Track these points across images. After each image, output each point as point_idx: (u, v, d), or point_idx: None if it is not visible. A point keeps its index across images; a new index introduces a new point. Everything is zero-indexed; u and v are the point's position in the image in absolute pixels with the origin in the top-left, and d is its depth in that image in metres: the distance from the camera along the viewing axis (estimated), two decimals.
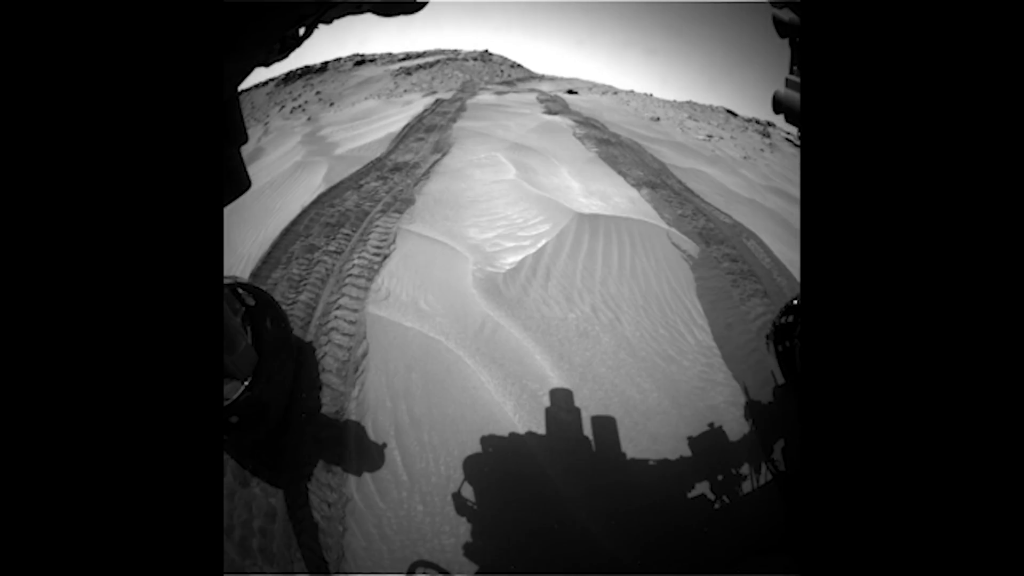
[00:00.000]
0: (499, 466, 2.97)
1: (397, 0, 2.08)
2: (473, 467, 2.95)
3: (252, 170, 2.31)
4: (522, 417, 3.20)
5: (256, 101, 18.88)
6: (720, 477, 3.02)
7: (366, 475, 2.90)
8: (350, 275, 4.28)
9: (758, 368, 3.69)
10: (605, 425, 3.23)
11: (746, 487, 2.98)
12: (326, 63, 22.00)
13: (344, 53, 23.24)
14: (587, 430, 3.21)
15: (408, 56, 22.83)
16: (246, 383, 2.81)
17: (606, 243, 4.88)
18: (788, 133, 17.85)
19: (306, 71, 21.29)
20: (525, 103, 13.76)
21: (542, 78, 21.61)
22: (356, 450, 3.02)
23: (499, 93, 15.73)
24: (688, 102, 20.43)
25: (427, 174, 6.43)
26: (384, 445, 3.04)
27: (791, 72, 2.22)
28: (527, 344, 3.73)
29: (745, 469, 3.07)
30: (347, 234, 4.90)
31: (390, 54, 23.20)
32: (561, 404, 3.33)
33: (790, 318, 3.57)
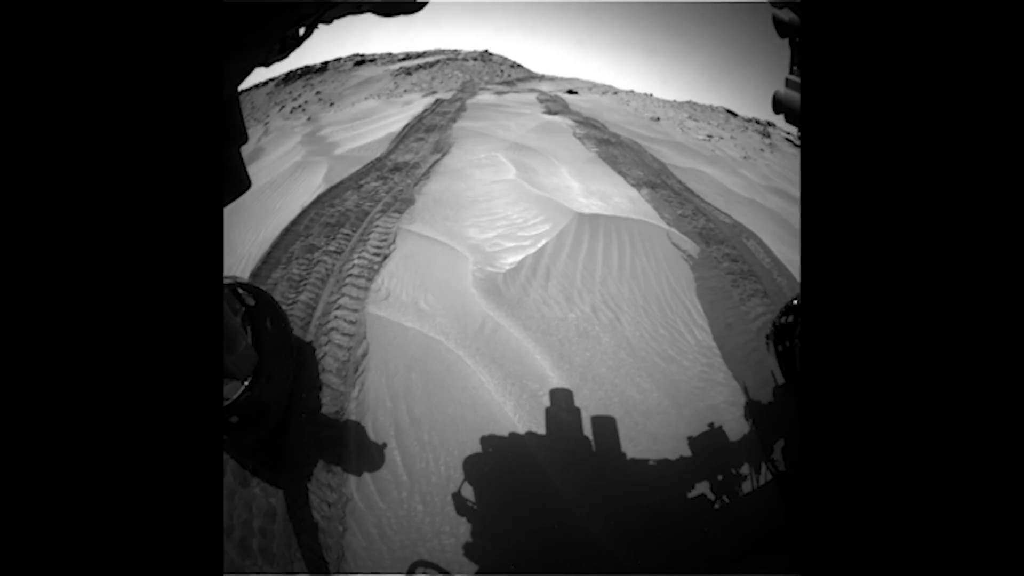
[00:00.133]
0: (499, 466, 2.97)
1: (397, 0, 2.08)
2: (473, 467, 2.95)
3: (252, 170, 2.32)
4: (522, 417, 3.20)
5: (256, 101, 18.83)
6: (720, 477, 3.02)
7: (366, 475, 2.89)
8: (350, 275, 4.27)
9: (758, 368, 3.68)
10: (605, 425, 3.23)
11: (746, 487, 2.99)
12: (326, 63, 21.93)
13: (344, 53, 23.20)
14: (587, 430, 3.21)
15: (408, 56, 22.77)
16: (246, 383, 2.80)
17: (606, 243, 4.88)
18: (788, 133, 17.79)
19: (306, 71, 21.23)
20: (525, 103, 13.71)
21: (542, 78, 21.53)
22: (356, 450, 3.02)
23: (499, 93, 15.68)
24: (688, 102, 20.36)
25: (427, 174, 6.43)
26: (384, 445, 3.03)
27: (791, 72, 2.21)
28: (527, 344, 3.73)
29: (745, 469, 3.07)
30: (347, 234, 4.89)
31: (390, 54, 23.15)
32: (561, 404, 3.33)
33: (790, 318, 3.57)
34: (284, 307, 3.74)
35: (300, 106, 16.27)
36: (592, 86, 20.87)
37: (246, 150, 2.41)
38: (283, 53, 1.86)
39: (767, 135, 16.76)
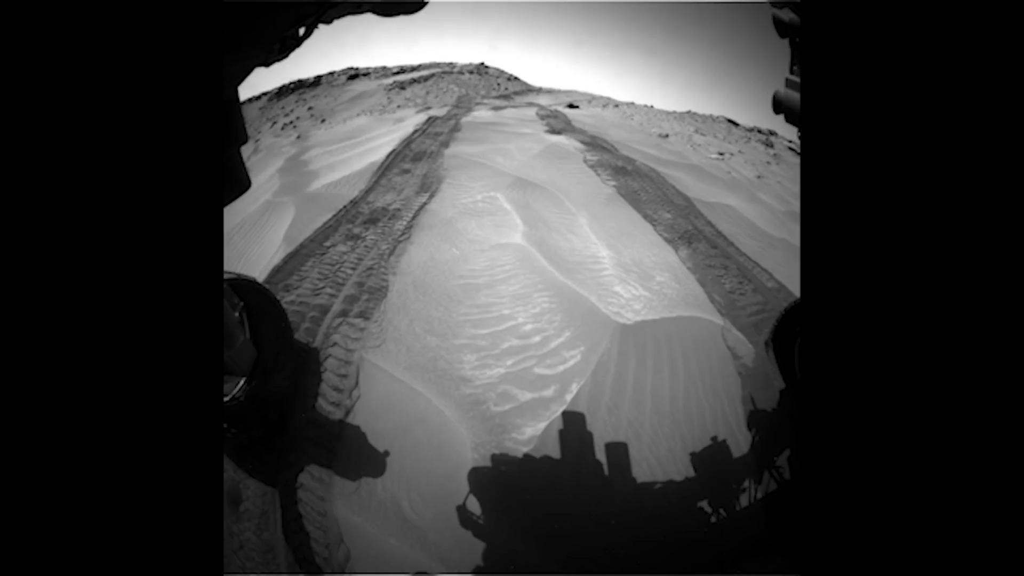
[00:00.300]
0: (499, 468, 2.74)
1: (397, 0, 1.99)
2: (474, 470, 2.73)
3: None
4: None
5: (249, 116, 17.62)
6: (722, 482, 2.84)
7: (365, 477, 2.69)
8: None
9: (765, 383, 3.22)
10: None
11: (748, 490, 2.80)
12: (319, 77, 20.81)
13: (339, 67, 22.01)
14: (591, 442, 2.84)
15: (403, 69, 21.53)
16: (243, 380, 2.71)
17: (655, 368, 3.28)
18: (790, 141, 16.95)
19: (299, 85, 20.10)
20: (525, 120, 12.39)
21: (540, 91, 20.32)
22: (356, 452, 2.79)
23: (496, 108, 14.40)
24: (689, 112, 19.32)
25: (408, 230, 4.85)
26: (387, 453, 2.80)
27: (791, 72, 2.11)
28: None
29: (746, 471, 2.87)
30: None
31: (384, 67, 21.91)
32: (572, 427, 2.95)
33: (790, 321, 3.26)
34: None
35: (292, 122, 15.26)
36: (592, 98, 19.71)
37: None
38: (283, 53, 1.77)
39: (770, 145, 15.91)
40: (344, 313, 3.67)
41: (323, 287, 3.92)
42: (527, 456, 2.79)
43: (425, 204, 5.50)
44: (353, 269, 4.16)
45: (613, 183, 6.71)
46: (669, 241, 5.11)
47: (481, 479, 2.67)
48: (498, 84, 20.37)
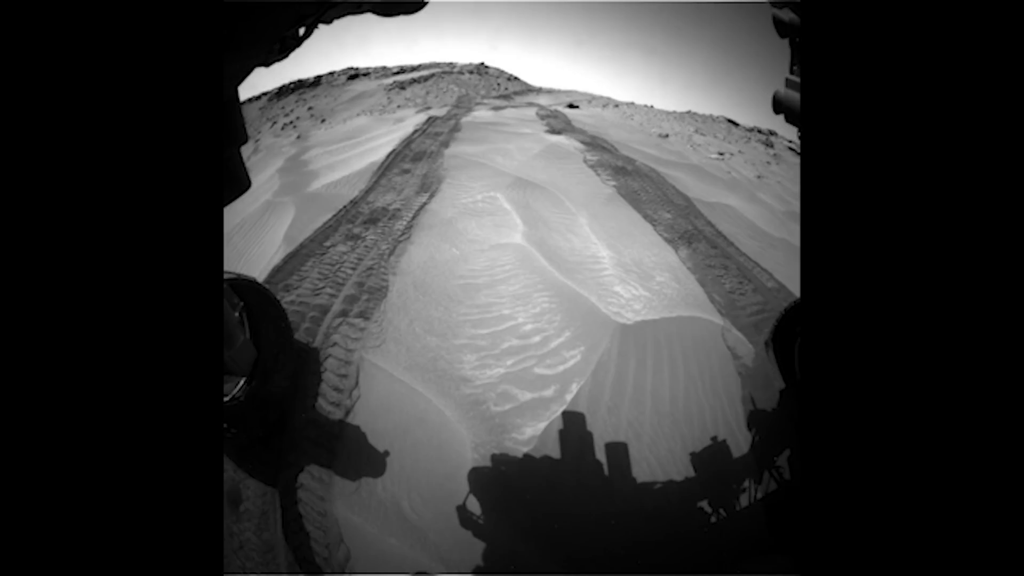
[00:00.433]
0: (499, 468, 2.74)
1: (397, 0, 1.97)
2: (474, 470, 2.72)
3: None
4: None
5: (249, 116, 17.61)
6: (721, 482, 2.83)
7: (365, 477, 2.68)
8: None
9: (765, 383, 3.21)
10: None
11: (748, 490, 2.80)
12: (319, 77, 20.79)
13: (339, 67, 21.99)
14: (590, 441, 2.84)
15: (403, 70, 21.51)
16: (243, 380, 2.70)
17: (655, 367, 3.27)
18: (790, 141, 16.94)
19: (299, 85, 20.08)
20: (525, 120, 12.37)
21: (540, 91, 20.29)
22: (356, 452, 2.79)
23: (496, 108, 14.38)
24: (688, 112, 19.30)
25: (408, 230, 4.85)
26: (387, 453, 2.79)
27: (791, 72, 2.10)
28: None
29: (746, 471, 2.87)
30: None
31: (384, 67, 21.89)
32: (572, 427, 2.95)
33: (790, 321, 3.25)
34: None
35: (292, 122, 15.25)
36: (592, 98, 19.68)
37: None
38: (283, 53, 1.76)
39: (770, 145, 15.90)
40: (344, 313, 3.66)
41: (323, 287, 3.92)
42: (527, 456, 2.78)
43: (425, 204, 5.49)
44: (353, 269, 4.16)
45: (613, 183, 6.70)
46: (669, 241, 5.10)
47: (481, 479, 2.66)
48: (498, 84, 20.35)
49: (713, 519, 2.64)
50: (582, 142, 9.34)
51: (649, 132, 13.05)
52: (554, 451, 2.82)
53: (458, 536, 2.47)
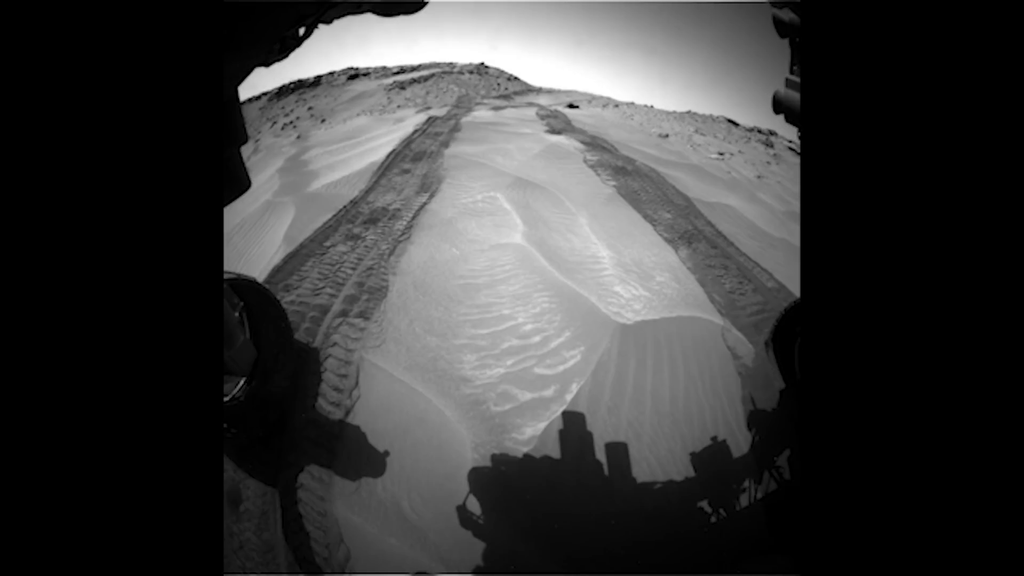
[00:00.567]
0: (499, 468, 2.73)
1: (397, 0, 1.96)
2: (474, 470, 2.72)
3: None
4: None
5: (249, 116, 17.57)
6: (722, 482, 2.83)
7: (365, 477, 2.68)
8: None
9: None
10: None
11: (748, 490, 2.79)
12: (319, 77, 20.76)
13: (339, 67, 21.97)
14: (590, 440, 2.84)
15: (403, 70, 21.49)
16: (243, 380, 2.69)
17: (655, 367, 3.26)
18: (790, 142, 16.91)
19: (299, 85, 20.05)
20: (525, 120, 12.36)
21: (540, 91, 20.27)
22: (356, 452, 2.79)
23: (496, 108, 14.37)
24: (688, 112, 19.28)
25: (408, 230, 4.85)
26: (387, 453, 2.79)
27: (791, 72, 2.09)
28: None
29: (746, 471, 2.86)
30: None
31: (384, 67, 21.87)
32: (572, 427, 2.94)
33: (790, 321, 3.24)
34: None
35: (292, 122, 15.23)
36: (592, 98, 19.66)
37: None
38: (283, 53, 1.75)
39: (770, 145, 15.88)
40: (344, 313, 3.66)
41: (323, 287, 3.91)
42: (527, 456, 2.77)
43: (425, 204, 5.49)
44: (353, 269, 4.15)
45: (613, 183, 6.70)
46: (669, 241, 5.10)
47: (481, 479, 2.66)
48: (498, 84, 20.34)
49: (713, 519, 2.63)
50: (582, 142, 9.33)
51: (649, 132, 13.03)
52: (554, 451, 2.81)
53: (458, 536, 2.47)
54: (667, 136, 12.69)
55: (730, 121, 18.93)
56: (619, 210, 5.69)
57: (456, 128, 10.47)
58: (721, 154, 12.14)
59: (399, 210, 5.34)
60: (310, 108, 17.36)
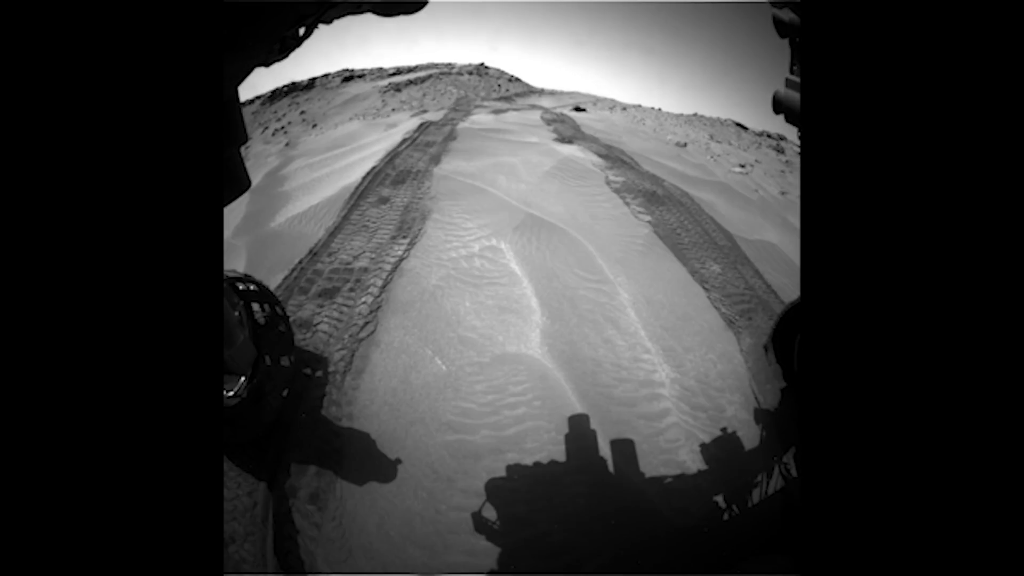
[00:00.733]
0: (500, 469, 2.45)
1: (397, 0, 1.84)
2: (475, 470, 2.47)
3: None
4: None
5: None
6: (725, 482, 2.56)
7: (367, 479, 2.41)
8: None
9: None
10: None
11: (750, 489, 2.54)
12: (314, 79, 19.11)
13: (333, 68, 20.34)
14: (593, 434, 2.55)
15: (399, 71, 19.80)
16: (244, 379, 2.50)
17: None
18: (799, 146, 15.36)
19: (293, 88, 18.41)
20: (529, 125, 10.75)
21: (542, 92, 18.61)
22: (356, 454, 2.51)
23: (497, 112, 12.72)
24: (696, 115, 17.71)
25: (374, 313, 3.20)
26: (399, 460, 2.50)
27: (791, 72, 2.01)
28: None
29: (754, 470, 2.59)
30: None
31: (380, 69, 20.18)
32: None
33: (790, 322, 2.95)
34: None
35: (283, 127, 13.70)
36: (596, 100, 18.02)
37: None
38: (283, 53, 1.69)
39: (781, 151, 14.43)
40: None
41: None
42: (528, 456, 2.52)
43: (402, 258, 3.86)
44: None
45: (647, 217, 5.07)
46: (729, 323, 3.48)
47: (482, 480, 2.43)
48: (498, 85, 18.63)
49: (713, 519, 2.42)
50: (598, 155, 7.70)
51: (664, 140, 11.46)
52: (555, 451, 2.55)
53: (459, 537, 2.27)
54: (685, 145, 11.10)
55: (739, 125, 17.45)
56: (662, 264, 4.07)
57: (451, 136, 8.84)
58: (743, 166, 10.69)
59: (365, 270, 3.70)
60: (303, 112, 15.87)
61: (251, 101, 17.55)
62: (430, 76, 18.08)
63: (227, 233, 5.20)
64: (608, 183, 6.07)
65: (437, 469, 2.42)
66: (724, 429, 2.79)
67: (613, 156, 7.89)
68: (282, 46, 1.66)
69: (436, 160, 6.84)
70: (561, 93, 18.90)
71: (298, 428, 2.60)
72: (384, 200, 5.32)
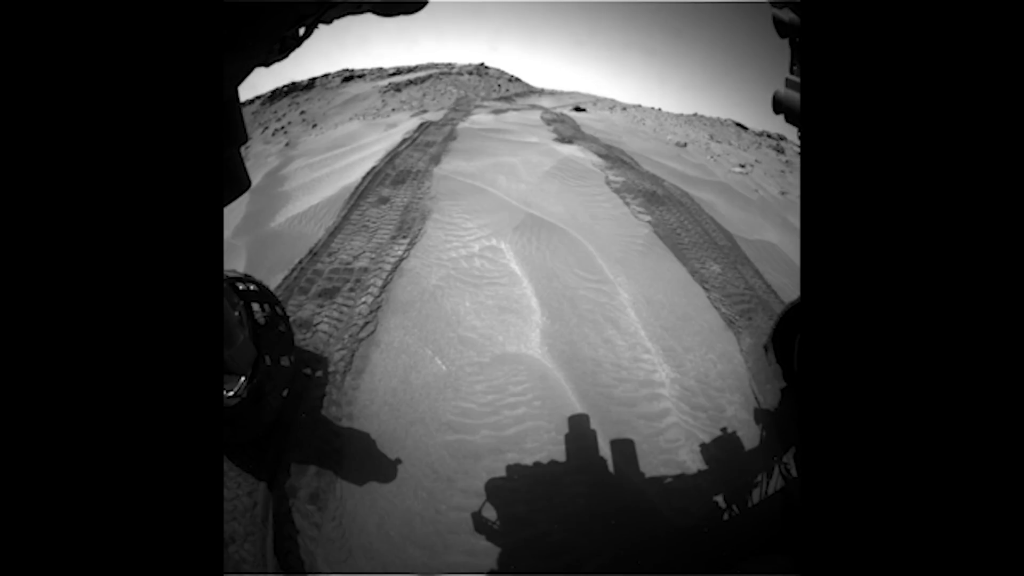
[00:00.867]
0: (500, 469, 2.45)
1: (397, 0, 1.84)
2: (475, 471, 2.47)
3: None
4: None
5: None
6: (725, 482, 2.54)
7: (367, 479, 2.40)
8: None
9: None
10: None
11: (752, 489, 2.52)
12: (314, 79, 19.10)
13: (333, 68, 20.33)
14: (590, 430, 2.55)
15: (399, 71, 19.79)
16: (243, 379, 2.49)
17: None
18: (798, 146, 15.36)
19: (293, 88, 18.40)
20: (529, 125, 10.75)
21: (542, 92, 18.60)
22: (356, 454, 2.51)
23: (497, 112, 12.72)
24: (696, 115, 17.70)
25: (374, 313, 3.21)
26: (399, 460, 2.49)
27: (791, 72, 2.00)
28: None
29: (754, 470, 2.57)
30: None
31: (380, 69, 20.17)
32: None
33: (789, 322, 2.92)
34: None
35: (283, 128, 13.70)
36: (596, 100, 18.02)
37: None
38: (283, 53, 1.68)
39: (781, 151, 14.44)
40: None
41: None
42: (528, 456, 2.51)
43: (402, 258, 3.85)
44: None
45: (648, 217, 5.07)
46: (730, 323, 3.47)
47: (482, 480, 2.42)
48: (499, 85, 18.62)
49: (714, 519, 2.40)
50: (598, 155, 7.70)
51: (665, 140, 11.45)
52: (555, 451, 2.54)
53: (459, 536, 2.26)
54: (685, 145, 11.10)
55: (739, 125, 17.45)
56: (662, 264, 4.07)
57: (451, 136, 8.84)
58: (743, 166, 10.69)
59: (365, 270, 3.70)
60: (303, 112, 15.87)
61: (251, 101, 17.53)
62: (430, 76, 18.07)
63: (227, 233, 5.19)
64: (608, 183, 6.06)
65: (437, 469, 2.43)
66: (724, 429, 2.78)
67: (613, 156, 7.88)
68: (282, 46, 1.65)
69: (436, 160, 6.83)
70: (561, 93, 18.90)
71: (298, 428, 2.61)
72: (384, 200, 5.31)
